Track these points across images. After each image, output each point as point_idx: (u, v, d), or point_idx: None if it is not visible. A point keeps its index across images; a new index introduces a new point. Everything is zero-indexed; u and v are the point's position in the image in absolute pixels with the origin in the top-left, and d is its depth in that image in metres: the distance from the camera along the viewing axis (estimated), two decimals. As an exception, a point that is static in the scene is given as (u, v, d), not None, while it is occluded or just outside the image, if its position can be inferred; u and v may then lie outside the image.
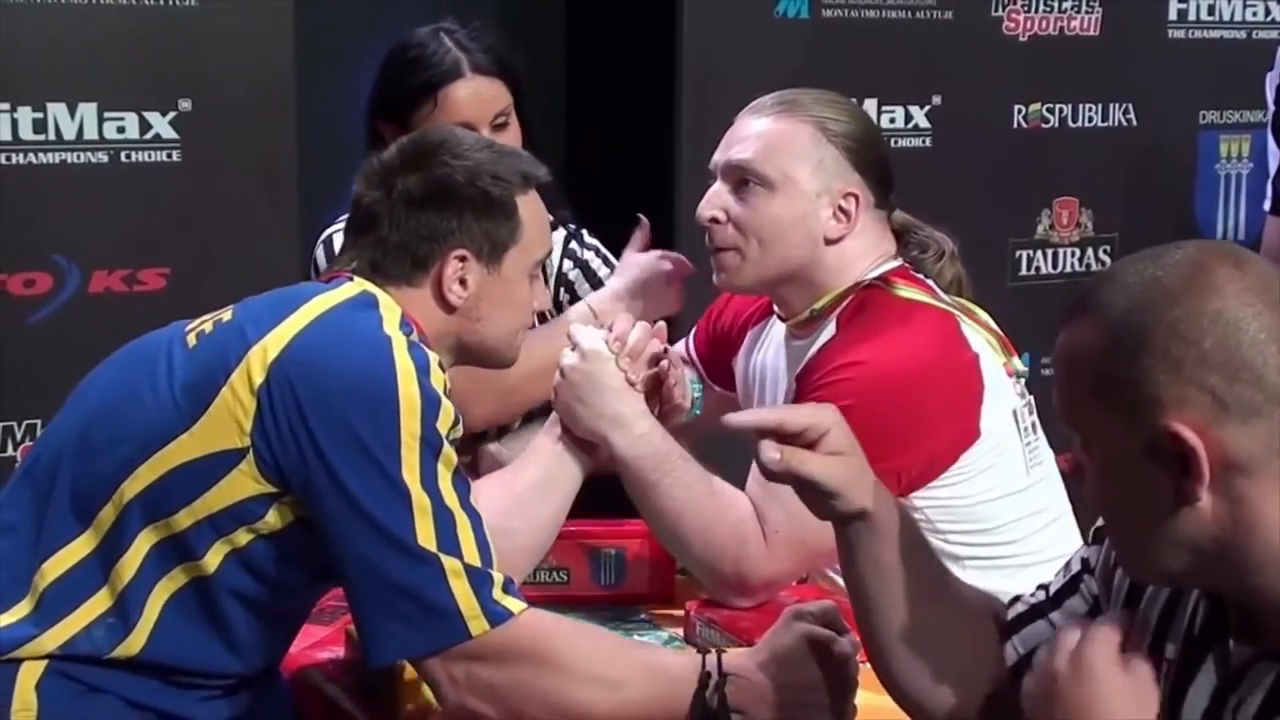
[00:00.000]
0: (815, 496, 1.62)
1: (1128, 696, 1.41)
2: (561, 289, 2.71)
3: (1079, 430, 1.42)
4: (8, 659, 1.81)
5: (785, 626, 1.84)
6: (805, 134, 2.23)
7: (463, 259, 1.95)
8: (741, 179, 2.25)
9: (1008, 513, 2.18)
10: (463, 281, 1.95)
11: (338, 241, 2.56)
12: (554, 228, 2.68)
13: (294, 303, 1.86)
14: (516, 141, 2.56)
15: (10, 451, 3.35)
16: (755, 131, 2.26)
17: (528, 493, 2.13)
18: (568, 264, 2.73)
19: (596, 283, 2.70)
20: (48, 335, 3.34)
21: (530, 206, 2.01)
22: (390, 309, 1.89)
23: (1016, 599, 1.69)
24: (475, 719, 1.77)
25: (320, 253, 2.70)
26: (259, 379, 1.77)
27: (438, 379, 1.81)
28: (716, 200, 2.27)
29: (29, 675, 1.80)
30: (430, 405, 1.77)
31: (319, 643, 2.13)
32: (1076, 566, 1.64)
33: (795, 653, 1.81)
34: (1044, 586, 1.67)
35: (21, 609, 1.82)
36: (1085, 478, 1.43)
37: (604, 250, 2.76)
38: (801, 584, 2.22)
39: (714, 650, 1.82)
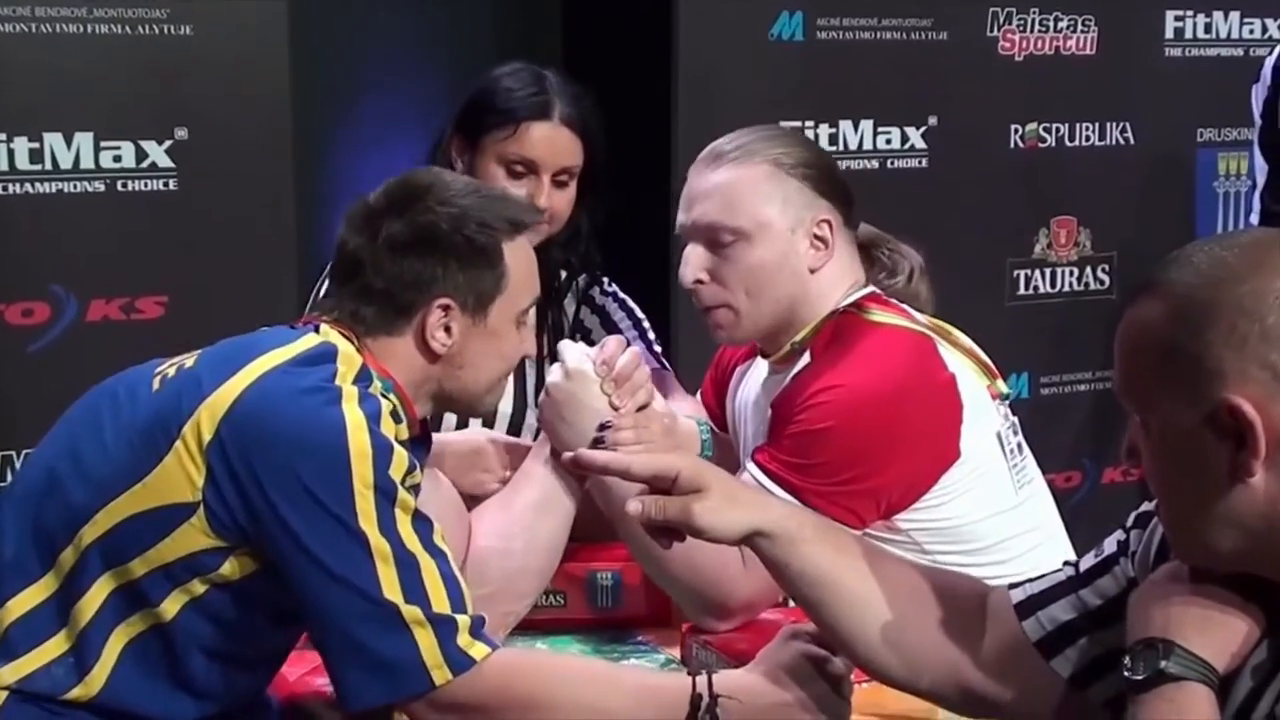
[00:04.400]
0: (694, 532, 1.65)
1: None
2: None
3: (1138, 406, 1.44)
4: None
5: (781, 645, 1.85)
6: (763, 174, 2.20)
7: (446, 309, 1.92)
8: (713, 237, 2.21)
9: (997, 532, 2.16)
10: (447, 329, 1.92)
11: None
12: (574, 273, 2.67)
13: (249, 354, 1.83)
14: (568, 205, 2.55)
15: (9, 480, 3.35)
16: (713, 185, 2.21)
17: (526, 513, 2.13)
18: (585, 310, 2.69)
19: (614, 330, 2.63)
20: (46, 364, 3.35)
21: (518, 254, 1.97)
22: (349, 360, 1.86)
23: (1020, 583, 1.68)
24: None
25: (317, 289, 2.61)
26: (208, 436, 1.75)
27: (389, 427, 1.79)
28: (695, 263, 2.22)
29: None
30: (382, 453, 1.75)
31: (316, 669, 2.12)
32: (1111, 549, 1.63)
33: (789, 671, 1.81)
34: (1071, 564, 1.67)
35: None
36: (1140, 458, 1.45)
37: (623, 296, 2.72)
38: (781, 606, 2.19)
39: (706, 672, 1.82)
